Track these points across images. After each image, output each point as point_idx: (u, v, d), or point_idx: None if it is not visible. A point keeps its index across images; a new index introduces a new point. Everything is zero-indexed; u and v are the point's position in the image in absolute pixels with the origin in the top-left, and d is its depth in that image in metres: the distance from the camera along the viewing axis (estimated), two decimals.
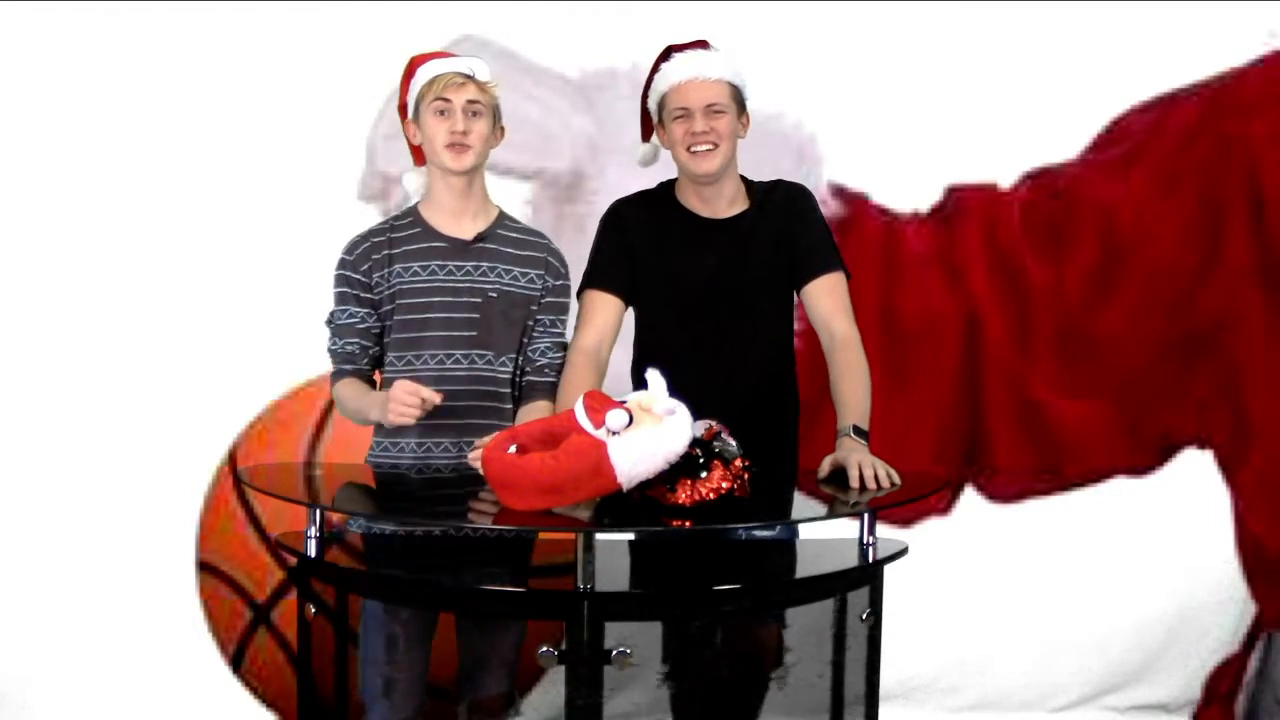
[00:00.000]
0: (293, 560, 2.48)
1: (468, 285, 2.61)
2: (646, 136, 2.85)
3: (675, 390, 2.10)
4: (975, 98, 3.77)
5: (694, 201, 2.74)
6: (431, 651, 2.58)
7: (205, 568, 3.63)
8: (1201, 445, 3.85)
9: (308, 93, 3.61)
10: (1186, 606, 3.80)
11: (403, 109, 2.68)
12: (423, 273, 2.60)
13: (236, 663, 3.62)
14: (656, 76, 2.73)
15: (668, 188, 2.80)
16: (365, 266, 2.61)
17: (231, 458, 3.62)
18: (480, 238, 2.64)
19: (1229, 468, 3.84)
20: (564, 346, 2.71)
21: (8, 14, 3.58)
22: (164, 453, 3.60)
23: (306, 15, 3.61)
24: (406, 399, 2.45)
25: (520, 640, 2.64)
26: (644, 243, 2.73)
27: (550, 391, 2.68)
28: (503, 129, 2.67)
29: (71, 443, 3.61)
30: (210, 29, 3.60)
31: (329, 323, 2.66)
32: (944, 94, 3.76)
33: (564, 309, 2.73)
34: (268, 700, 3.61)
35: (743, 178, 2.78)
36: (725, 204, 2.74)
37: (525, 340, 2.67)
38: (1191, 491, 3.83)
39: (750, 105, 2.77)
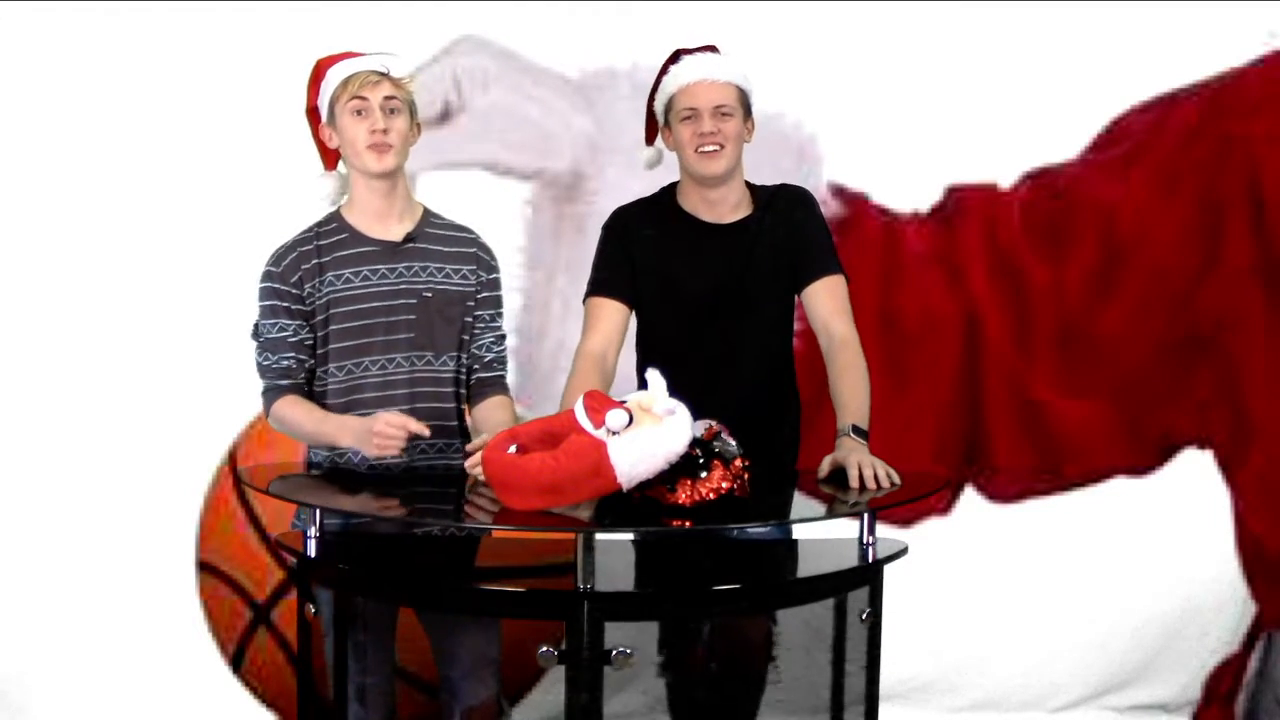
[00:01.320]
0: (293, 560, 2.47)
1: (403, 287, 2.57)
2: (650, 140, 2.85)
3: (676, 392, 2.10)
4: (975, 98, 3.77)
5: (697, 205, 2.74)
6: (396, 647, 2.56)
7: (205, 568, 3.63)
8: (1201, 445, 3.85)
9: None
10: (1186, 606, 3.80)
11: (312, 113, 2.63)
12: (355, 279, 2.55)
13: (236, 663, 3.62)
14: (665, 78, 2.73)
15: (669, 193, 2.79)
16: (295, 277, 2.54)
17: (231, 458, 3.62)
18: (410, 238, 2.59)
19: (1229, 468, 3.84)
20: (504, 339, 2.71)
21: (7, 14, 3.58)
22: (164, 453, 3.60)
23: (306, 15, 3.61)
24: (392, 432, 2.40)
25: (498, 636, 2.60)
26: (645, 250, 2.73)
27: (502, 385, 2.68)
28: (419, 125, 2.63)
29: (72, 443, 3.61)
30: (210, 29, 3.60)
31: (256, 337, 2.58)
32: (944, 94, 3.76)
33: (500, 302, 2.70)
34: (268, 700, 3.61)
35: (746, 183, 2.78)
36: (729, 209, 2.74)
37: (466, 338, 2.64)
38: (1191, 491, 3.83)
39: (752, 108, 2.77)
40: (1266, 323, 3.80)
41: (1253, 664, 3.85)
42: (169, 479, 3.60)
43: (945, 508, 3.82)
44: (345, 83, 2.53)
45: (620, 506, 2.11)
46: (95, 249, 3.62)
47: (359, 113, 2.52)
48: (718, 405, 2.33)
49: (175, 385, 3.62)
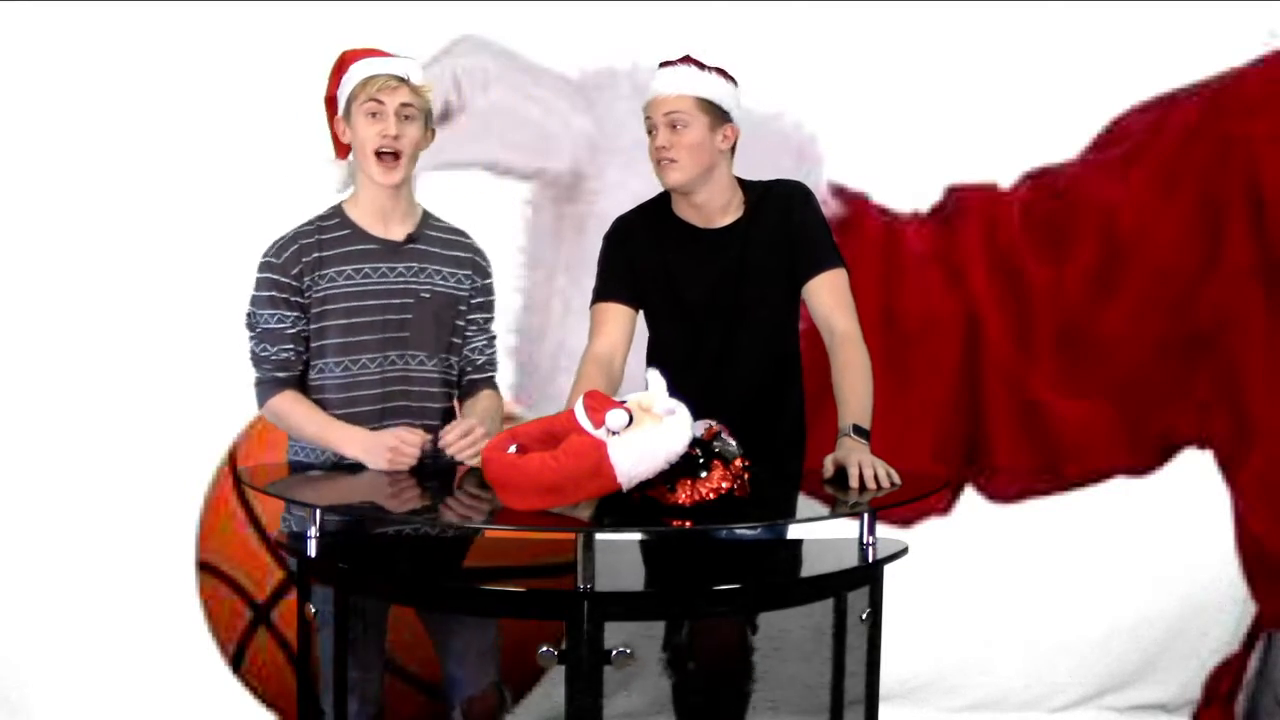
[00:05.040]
0: (293, 560, 2.48)
1: (400, 287, 2.58)
2: None
3: (679, 394, 2.10)
4: (975, 98, 3.77)
5: (688, 212, 2.75)
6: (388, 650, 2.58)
7: (205, 568, 3.63)
8: (1201, 445, 3.85)
9: (307, 92, 3.60)
10: (1186, 606, 3.81)
11: (330, 102, 2.63)
12: (356, 275, 2.56)
13: (236, 663, 3.62)
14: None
15: (664, 199, 2.80)
16: (296, 270, 2.54)
17: (231, 458, 3.62)
18: (410, 239, 2.60)
19: (1229, 468, 3.84)
20: (494, 340, 2.74)
21: (8, 14, 3.58)
22: (164, 453, 3.60)
23: (307, 15, 3.61)
24: (408, 450, 2.44)
25: (495, 626, 2.61)
26: (644, 257, 2.74)
27: (491, 384, 2.72)
28: (433, 131, 2.63)
29: (72, 443, 3.61)
30: (210, 29, 3.60)
31: (251, 327, 2.58)
32: (944, 94, 3.76)
33: (492, 306, 2.73)
34: (268, 700, 3.61)
35: (740, 180, 2.78)
36: (719, 213, 2.74)
37: (457, 341, 2.66)
38: (1191, 491, 3.83)
39: (750, 105, 2.76)
40: (1266, 323, 3.80)
41: (1253, 664, 3.85)
42: (169, 479, 3.60)
43: (945, 508, 3.82)
44: (364, 83, 2.53)
45: (620, 506, 2.11)
46: (95, 249, 3.62)
47: (373, 115, 2.53)
48: (721, 407, 2.33)
49: (175, 386, 3.62)
